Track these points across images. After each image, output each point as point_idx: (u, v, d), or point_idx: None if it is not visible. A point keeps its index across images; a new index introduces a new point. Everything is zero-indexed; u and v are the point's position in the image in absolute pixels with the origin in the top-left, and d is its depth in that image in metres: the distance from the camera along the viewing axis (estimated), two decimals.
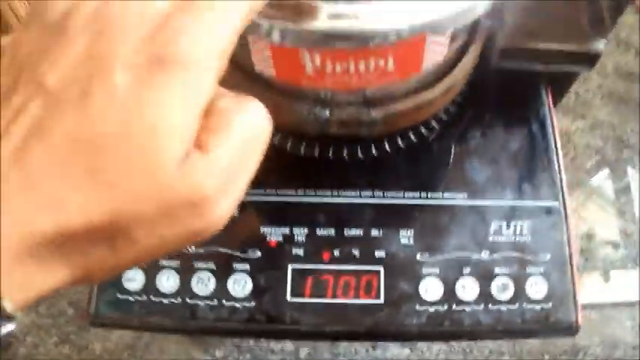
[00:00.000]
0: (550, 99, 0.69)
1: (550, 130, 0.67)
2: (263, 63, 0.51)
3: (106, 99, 0.28)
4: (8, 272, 0.27)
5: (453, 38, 0.53)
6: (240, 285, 0.59)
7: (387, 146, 0.62)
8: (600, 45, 0.63)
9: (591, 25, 0.64)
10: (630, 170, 1.27)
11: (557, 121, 0.69)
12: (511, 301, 0.59)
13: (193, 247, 0.60)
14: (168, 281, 0.60)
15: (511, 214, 0.62)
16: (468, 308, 0.58)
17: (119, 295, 0.59)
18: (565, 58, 0.64)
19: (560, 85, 0.71)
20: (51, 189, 0.27)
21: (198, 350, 1.10)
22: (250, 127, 0.33)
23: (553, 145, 0.66)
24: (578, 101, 1.32)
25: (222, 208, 0.31)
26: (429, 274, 0.59)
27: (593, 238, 1.20)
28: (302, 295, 0.59)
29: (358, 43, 0.43)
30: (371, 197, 0.63)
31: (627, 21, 1.44)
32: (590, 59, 0.64)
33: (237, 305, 0.59)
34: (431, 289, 0.59)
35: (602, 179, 1.26)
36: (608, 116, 1.31)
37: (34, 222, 0.27)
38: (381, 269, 0.60)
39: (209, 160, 0.30)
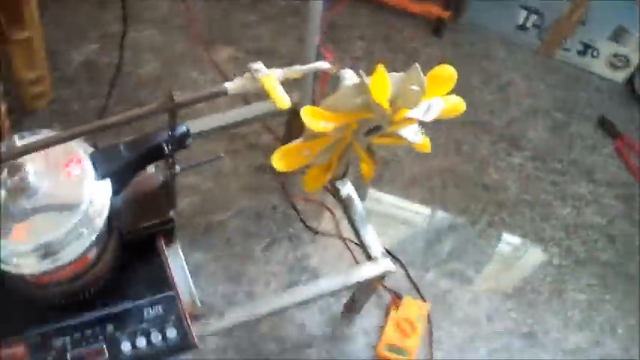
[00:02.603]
0: (162, 242, 1.47)
1: (164, 259, 1.45)
2: (30, 278, 1.26)
3: None
4: None
5: (97, 244, 1.28)
6: None
7: (90, 291, 1.37)
8: (171, 213, 1.42)
9: (165, 204, 1.41)
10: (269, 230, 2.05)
11: (172, 249, 1.46)
12: (162, 342, 1.35)
13: None
14: None
15: (152, 303, 1.39)
16: (144, 350, 1.35)
17: None
18: (157, 225, 1.43)
19: (167, 232, 1.48)
20: None
21: None
22: None
23: (166, 266, 1.44)
24: (224, 199, 2.10)
25: None
26: (123, 341, 1.35)
27: None
28: None
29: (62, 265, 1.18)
30: (91, 315, 1.37)
31: (254, 128, 2.21)
32: (170, 221, 1.44)
33: None
34: (126, 347, 1.34)
35: None
36: (247, 202, 2.09)
37: None
38: (104, 344, 1.35)
39: None
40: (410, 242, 2.17)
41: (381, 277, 1.67)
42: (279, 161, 1.36)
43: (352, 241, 2.00)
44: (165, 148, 1.28)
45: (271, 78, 1.16)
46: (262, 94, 1.18)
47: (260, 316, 1.57)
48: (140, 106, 1.09)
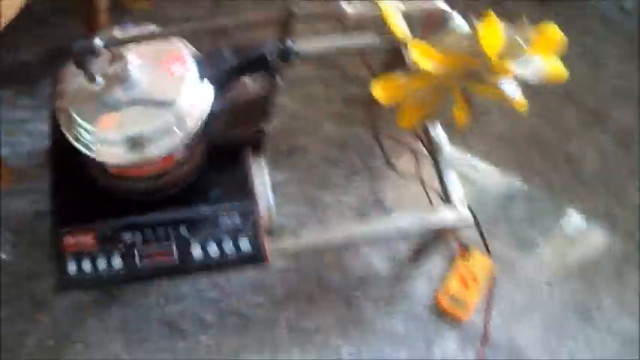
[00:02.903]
0: (250, 153, 1.49)
1: (249, 169, 1.47)
2: (112, 169, 1.29)
3: None
4: None
5: (188, 146, 1.29)
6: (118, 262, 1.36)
7: (170, 192, 1.40)
8: (265, 125, 1.42)
9: (260, 116, 1.42)
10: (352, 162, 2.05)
11: (257, 162, 1.47)
12: (233, 252, 1.38)
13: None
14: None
15: (230, 212, 1.40)
16: (213, 258, 1.37)
17: None
18: (249, 136, 1.43)
19: (255, 144, 1.50)
20: None
21: None
22: None
23: (250, 176, 1.46)
24: (312, 124, 2.10)
25: None
26: (195, 245, 1.38)
27: None
28: (144, 262, 1.36)
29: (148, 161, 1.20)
30: (166, 215, 1.40)
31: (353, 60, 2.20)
32: (262, 133, 1.45)
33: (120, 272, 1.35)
34: (197, 251, 1.38)
35: None
36: (334, 131, 2.09)
37: None
38: (174, 245, 1.38)
39: None
40: (484, 201, 2.14)
41: (455, 227, 1.64)
42: (379, 90, 1.36)
43: (431, 188, 1.96)
44: (271, 59, 1.27)
45: (391, 6, 1.15)
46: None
47: (333, 242, 1.57)
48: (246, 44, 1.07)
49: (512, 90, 1.35)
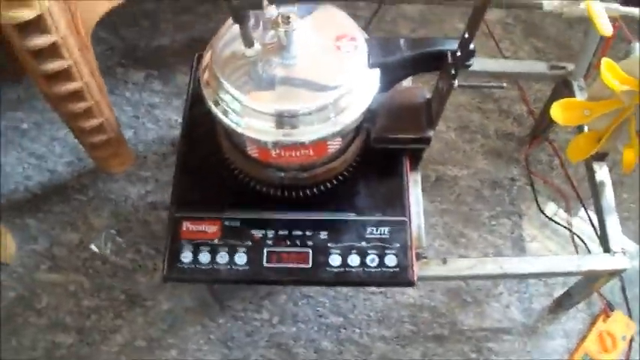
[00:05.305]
0: (408, 164, 1.29)
1: (405, 181, 1.27)
2: (254, 151, 1.11)
3: None
4: None
5: (343, 137, 1.11)
6: (242, 258, 1.18)
7: (313, 190, 1.21)
8: (431, 133, 1.22)
9: (426, 122, 1.23)
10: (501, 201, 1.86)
11: (412, 176, 1.28)
12: (376, 267, 1.17)
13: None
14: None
15: (379, 223, 1.21)
16: (353, 270, 1.17)
17: None
18: (412, 141, 1.23)
19: (414, 155, 1.30)
20: None
21: None
22: None
23: (406, 190, 1.26)
24: (465, 155, 1.91)
25: None
26: (334, 253, 1.17)
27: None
28: (271, 262, 1.18)
29: (297, 143, 1.02)
30: (305, 214, 1.22)
31: (509, 94, 2.03)
32: (427, 141, 1.23)
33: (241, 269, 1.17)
34: (335, 260, 1.17)
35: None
36: (486, 166, 1.91)
37: None
38: (310, 250, 1.18)
39: None
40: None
41: (610, 274, 1.45)
42: (558, 112, 1.25)
43: (579, 237, 1.79)
44: (450, 57, 1.07)
45: (596, 3, 1.01)
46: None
47: (485, 276, 1.41)
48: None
49: None
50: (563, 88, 1.61)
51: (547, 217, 1.87)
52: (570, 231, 1.82)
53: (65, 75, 1.37)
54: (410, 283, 1.18)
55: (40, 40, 1.25)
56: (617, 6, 1.10)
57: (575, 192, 1.77)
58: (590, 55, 1.56)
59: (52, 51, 1.29)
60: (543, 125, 1.86)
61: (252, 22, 1.02)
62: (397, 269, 1.17)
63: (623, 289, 1.77)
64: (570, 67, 1.60)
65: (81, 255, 1.72)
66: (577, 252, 1.77)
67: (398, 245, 1.19)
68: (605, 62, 1.14)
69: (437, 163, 1.92)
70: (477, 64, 1.54)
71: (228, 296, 1.67)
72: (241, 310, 1.66)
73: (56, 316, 1.64)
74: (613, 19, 1.13)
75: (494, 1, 0.95)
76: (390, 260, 1.18)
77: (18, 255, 1.71)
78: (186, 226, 1.20)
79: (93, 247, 1.71)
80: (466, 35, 0.99)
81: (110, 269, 1.70)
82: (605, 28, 1.03)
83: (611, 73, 1.15)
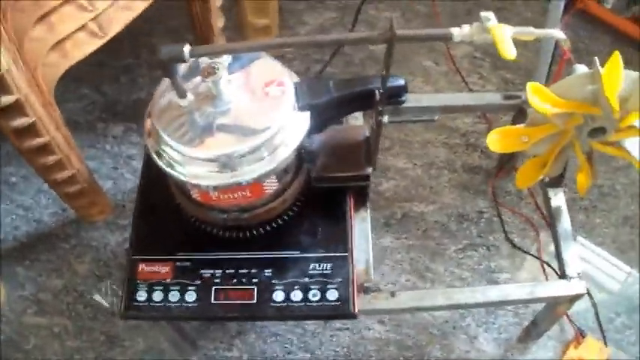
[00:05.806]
0: (351, 201, 1.35)
1: (348, 218, 1.33)
2: (196, 195, 1.18)
3: None
4: None
5: (280, 178, 1.18)
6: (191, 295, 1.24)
7: (259, 229, 1.28)
8: (369, 170, 1.28)
9: (364, 160, 1.29)
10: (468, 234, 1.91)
11: (360, 213, 1.34)
12: (318, 301, 1.23)
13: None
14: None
15: (322, 259, 1.27)
16: (295, 305, 1.23)
17: None
18: (351, 179, 1.30)
19: (360, 192, 1.37)
20: None
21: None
22: None
23: (349, 226, 1.32)
24: (431, 191, 1.97)
25: None
26: (278, 289, 1.24)
27: None
28: (219, 300, 1.24)
29: (233, 185, 1.09)
30: (250, 253, 1.28)
31: (477, 128, 2.09)
32: (366, 178, 1.30)
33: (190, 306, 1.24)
34: (278, 296, 1.23)
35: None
36: (453, 200, 1.96)
37: None
38: (255, 287, 1.24)
39: None
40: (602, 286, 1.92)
41: (569, 300, 1.46)
42: (495, 141, 1.25)
43: (550, 266, 1.79)
44: (377, 95, 1.14)
45: (502, 29, 1.03)
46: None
47: (432, 307, 1.42)
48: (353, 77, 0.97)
49: (636, 148, 1.21)
50: (520, 116, 1.61)
51: (516, 247, 1.90)
52: (540, 260, 1.85)
53: (32, 130, 1.44)
54: (351, 316, 1.24)
55: (2, 99, 1.32)
56: (530, 29, 1.11)
57: (545, 220, 1.79)
58: (542, 81, 1.59)
59: (16, 109, 1.37)
60: (507, 155, 1.87)
61: (185, 73, 1.11)
62: (338, 303, 1.23)
63: (597, 314, 1.79)
64: (524, 95, 1.61)
65: (65, 299, 1.80)
66: (547, 279, 1.79)
67: (340, 280, 1.25)
68: (531, 86, 1.15)
69: (403, 201, 1.95)
70: (432, 99, 1.62)
71: (201, 336, 1.72)
72: (213, 348, 1.71)
73: (42, 357, 1.72)
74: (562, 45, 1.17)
75: (404, 38, 0.99)
76: (332, 294, 1.23)
77: (7, 300, 1.79)
78: (142, 267, 1.28)
79: (97, 298, 1.79)
80: (383, 72, 1.06)
81: (91, 312, 1.78)
82: (508, 52, 1.04)
83: (539, 96, 1.16)
